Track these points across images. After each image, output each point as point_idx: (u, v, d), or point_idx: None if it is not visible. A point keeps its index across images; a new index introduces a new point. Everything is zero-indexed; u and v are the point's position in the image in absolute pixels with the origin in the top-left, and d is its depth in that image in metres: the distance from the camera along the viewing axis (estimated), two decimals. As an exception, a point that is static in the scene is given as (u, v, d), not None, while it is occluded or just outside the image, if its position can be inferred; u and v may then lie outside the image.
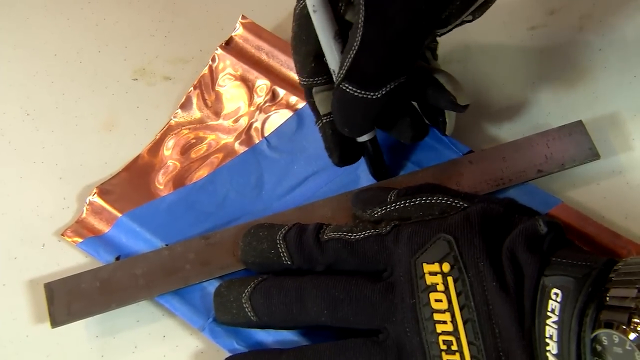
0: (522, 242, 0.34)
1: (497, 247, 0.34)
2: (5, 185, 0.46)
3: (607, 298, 0.31)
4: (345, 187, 0.43)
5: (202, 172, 0.45)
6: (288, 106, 0.47)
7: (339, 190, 0.43)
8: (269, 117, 0.47)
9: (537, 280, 0.33)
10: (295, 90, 0.47)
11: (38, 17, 0.53)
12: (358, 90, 0.37)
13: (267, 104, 0.47)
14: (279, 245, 0.38)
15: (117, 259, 0.42)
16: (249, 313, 0.37)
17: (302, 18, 0.39)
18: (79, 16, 0.54)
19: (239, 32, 0.49)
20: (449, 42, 0.51)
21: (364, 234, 0.37)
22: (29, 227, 0.44)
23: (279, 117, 0.47)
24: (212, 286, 0.40)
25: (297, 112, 0.47)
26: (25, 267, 0.43)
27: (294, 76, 0.48)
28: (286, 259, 0.38)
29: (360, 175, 0.44)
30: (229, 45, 0.49)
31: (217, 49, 0.49)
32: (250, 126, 0.47)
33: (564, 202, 0.42)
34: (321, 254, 0.38)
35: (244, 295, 0.38)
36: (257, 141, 0.46)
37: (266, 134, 0.46)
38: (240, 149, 0.46)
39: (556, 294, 0.32)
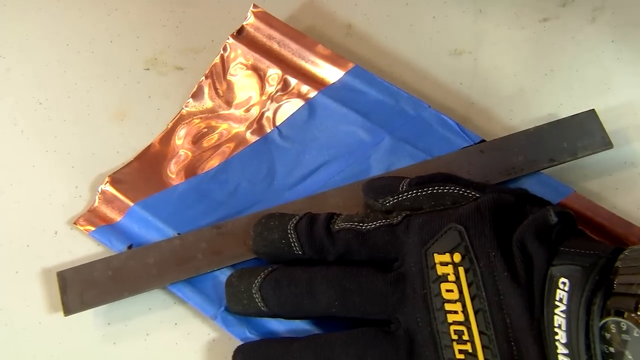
0: (532, 232, 0.33)
1: (508, 237, 0.34)
2: (17, 173, 0.46)
3: (615, 286, 0.31)
4: (357, 176, 0.43)
5: (214, 162, 0.45)
6: (300, 95, 0.47)
7: (350, 180, 0.43)
8: (280, 106, 0.47)
9: (546, 270, 0.32)
10: (307, 79, 0.47)
11: (50, 7, 0.54)
12: None
13: (278, 93, 0.47)
14: (290, 235, 0.38)
15: (130, 247, 0.42)
16: (259, 303, 0.37)
17: None
18: (90, 6, 0.54)
19: (250, 21, 0.49)
20: (460, 33, 0.51)
21: (375, 224, 0.37)
22: (41, 216, 0.45)
23: (290, 107, 0.47)
24: (223, 275, 0.40)
25: (308, 102, 0.47)
26: (37, 255, 0.43)
27: (306, 65, 0.48)
28: (297, 249, 0.38)
29: (372, 164, 0.44)
30: (241, 34, 0.49)
31: (228, 38, 0.49)
32: (261, 115, 0.47)
33: (576, 191, 0.42)
34: (332, 244, 0.38)
35: (254, 285, 0.38)
36: (268, 130, 0.46)
37: (278, 123, 0.46)
38: (251, 138, 0.46)
39: (564, 283, 0.32)
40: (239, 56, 0.49)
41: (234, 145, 0.46)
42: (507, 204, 0.36)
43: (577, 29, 0.51)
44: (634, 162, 0.44)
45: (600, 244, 0.34)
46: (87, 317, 0.41)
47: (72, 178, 0.46)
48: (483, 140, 0.44)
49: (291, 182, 0.44)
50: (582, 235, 0.36)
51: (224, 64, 0.49)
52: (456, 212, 0.36)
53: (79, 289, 0.40)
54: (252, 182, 0.44)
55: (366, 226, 0.37)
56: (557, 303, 0.32)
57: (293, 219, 0.39)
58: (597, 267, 0.31)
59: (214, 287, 0.40)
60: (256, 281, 0.38)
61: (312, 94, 0.47)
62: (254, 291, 0.38)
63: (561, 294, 0.32)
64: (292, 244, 0.38)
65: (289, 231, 0.38)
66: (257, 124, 0.47)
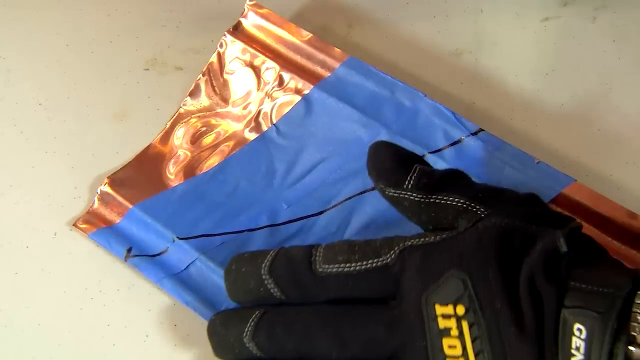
0: (541, 268, 0.31)
1: (515, 274, 0.31)
2: (17, 174, 0.46)
3: (636, 328, 0.29)
4: (356, 173, 0.43)
5: (213, 161, 0.45)
6: (296, 91, 0.47)
7: (349, 177, 0.43)
8: (277, 102, 0.47)
9: (557, 312, 0.30)
10: (303, 73, 0.47)
11: (50, 8, 0.54)
12: None
13: (275, 89, 0.47)
14: (266, 282, 0.35)
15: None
16: (253, 351, 0.35)
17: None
18: (90, 7, 0.54)
19: (245, 16, 0.49)
20: (461, 33, 0.51)
21: (365, 266, 0.34)
22: (40, 217, 0.44)
23: (287, 103, 0.47)
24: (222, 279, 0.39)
25: (304, 97, 0.46)
26: (37, 256, 0.43)
27: (301, 59, 0.48)
28: (278, 294, 0.35)
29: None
30: (237, 29, 0.49)
31: (225, 35, 0.49)
32: (259, 113, 0.47)
33: (577, 181, 0.41)
34: (321, 291, 0.34)
35: (245, 334, 0.35)
36: (266, 128, 0.46)
37: (275, 120, 0.46)
38: (250, 136, 0.46)
39: (579, 329, 0.29)
40: (236, 52, 0.48)
41: (233, 144, 0.46)
42: (513, 231, 0.32)
43: (578, 28, 0.51)
44: (635, 162, 0.44)
45: (614, 270, 0.31)
46: (87, 319, 0.41)
47: (71, 179, 0.46)
48: (481, 129, 0.43)
49: (290, 180, 0.44)
50: (590, 251, 0.33)
51: (221, 60, 0.49)
52: (457, 248, 0.33)
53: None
54: (251, 181, 0.44)
55: (355, 267, 0.34)
56: (573, 351, 0.29)
57: (265, 261, 0.35)
58: (614, 312, 0.29)
59: (212, 291, 0.40)
60: (247, 329, 0.35)
61: (308, 88, 0.46)
62: (246, 341, 0.35)
63: (577, 342, 0.29)
64: (272, 291, 0.35)
65: (263, 277, 0.35)
66: (255, 122, 0.46)
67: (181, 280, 0.41)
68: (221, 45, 0.49)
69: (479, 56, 0.49)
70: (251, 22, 0.49)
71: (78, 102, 0.49)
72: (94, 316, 0.41)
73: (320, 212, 0.42)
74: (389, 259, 0.34)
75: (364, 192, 0.42)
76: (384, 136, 0.44)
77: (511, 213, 0.34)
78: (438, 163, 0.42)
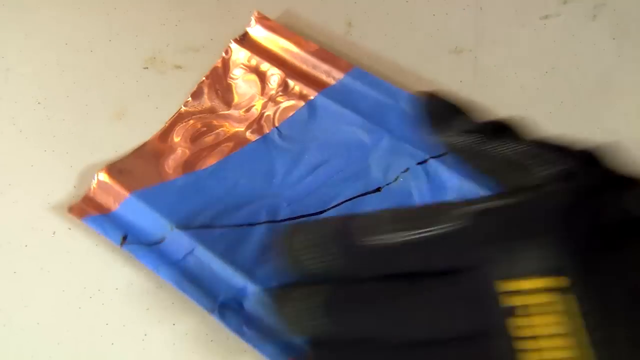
0: (635, 235, 0.25)
1: (608, 243, 0.26)
2: (16, 173, 0.46)
3: None
4: (356, 176, 0.43)
5: (212, 160, 0.45)
6: (300, 96, 0.47)
7: (349, 179, 0.43)
8: (280, 107, 0.47)
9: None
10: (308, 81, 0.47)
11: (49, 7, 0.53)
12: None
13: (279, 94, 0.47)
14: (331, 255, 0.32)
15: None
16: (318, 330, 0.32)
17: None
18: (89, 6, 0.53)
19: (253, 27, 0.50)
20: (461, 31, 0.51)
21: (436, 230, 0.29)
22: (39, 215, 0.44)
23: (290, 107, 0.47)
24: (221, 269, 0.40)
25: (308, 102, 0.46)
26: (35, 255, 0.43)
27: (307, 68, 0.48)
28: (346, 269, 0.33)
29: (371, 163, 0.44)
30: (244, 39, 0.50)
31: (231, 42, 0.49)
32: (261, 116, 0.47)
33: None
34: (387, 264, 0.31)
35: (310, 313, 0.30)
36: (267, 131, 0.46)
37: (277, 123, 0.46)
38: (251, 137, 0.46)
39: None
40: (241, 59, 0.49)
41: (233, 145, 0.46)
42: (594, 194, 0.27)
43: (577, 26, 0.50)
44: (635, 160, 0.44)
45: None
46: (86, 318, 0.41)
47: (70, 178, 0.46)
48: None
49: (291, 181, 0.44)
50: None
51: (225, 66, 0.49)
52: (534, 214, 0.27)
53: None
54: (252, 180, 0.44)
55: (424, 233, 0.29)
56: None
57: (325, 233, 0.33)
58: None
59: (210, 280, 0.40)
60: (311, 308, 0.32)
61: (312, 95, 0.47)
62: (311, 319, 0.32)
63: None
64: (333, 264, 0.33)
65: (330, 251, 0.32)
66: (257, 124, 0.46)
67: (178, 269, 0.41)
68: (226, 52, 0.49)
69: (478, 54, 0.49)
70: (258, 33, 0.50)
71: (77, 100, 0.49)
72: (92, 315, 0.41)
73: (321, 212, 0.42)
74: (458, 224, 0.28)
75: (365, 194, 0.43)
76: (386, 141, 0.44)
77: (587, 174, 0.29)
78: (440, 168, 0.43)
